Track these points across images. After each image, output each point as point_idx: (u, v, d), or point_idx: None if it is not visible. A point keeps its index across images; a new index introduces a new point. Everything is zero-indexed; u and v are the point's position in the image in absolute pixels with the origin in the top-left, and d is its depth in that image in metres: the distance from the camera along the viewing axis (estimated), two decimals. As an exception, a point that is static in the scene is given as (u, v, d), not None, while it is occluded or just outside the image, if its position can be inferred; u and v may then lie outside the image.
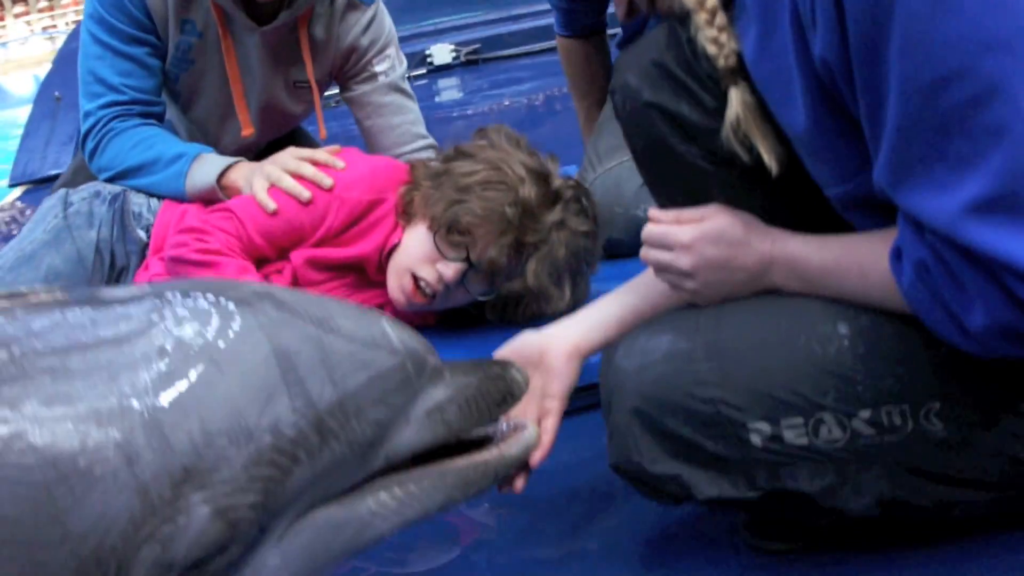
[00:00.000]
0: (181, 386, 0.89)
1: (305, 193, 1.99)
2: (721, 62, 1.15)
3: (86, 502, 0.84)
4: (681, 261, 1.24)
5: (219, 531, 0.88)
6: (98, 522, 0.85)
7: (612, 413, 1.25)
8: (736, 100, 1.16)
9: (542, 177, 1.93)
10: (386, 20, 2.38)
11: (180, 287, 0.98)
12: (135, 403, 0.87)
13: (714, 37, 1.15)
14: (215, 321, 0.93)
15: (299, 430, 0.93)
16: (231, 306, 0.95)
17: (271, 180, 2.01)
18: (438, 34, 5.48)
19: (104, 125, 2.21)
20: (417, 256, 1.94)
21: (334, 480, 0.99)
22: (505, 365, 1.13)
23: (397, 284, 1.95)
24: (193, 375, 0.90)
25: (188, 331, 0.92)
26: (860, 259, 1.14)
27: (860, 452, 1.16)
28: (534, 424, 1.19)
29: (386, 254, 2.02)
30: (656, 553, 1.45)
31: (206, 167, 2.12)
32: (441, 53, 5.25)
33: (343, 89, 2.44)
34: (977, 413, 1.15)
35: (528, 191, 1.89)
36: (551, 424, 1.31)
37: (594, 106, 2.75)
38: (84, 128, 2.25)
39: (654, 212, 1.30)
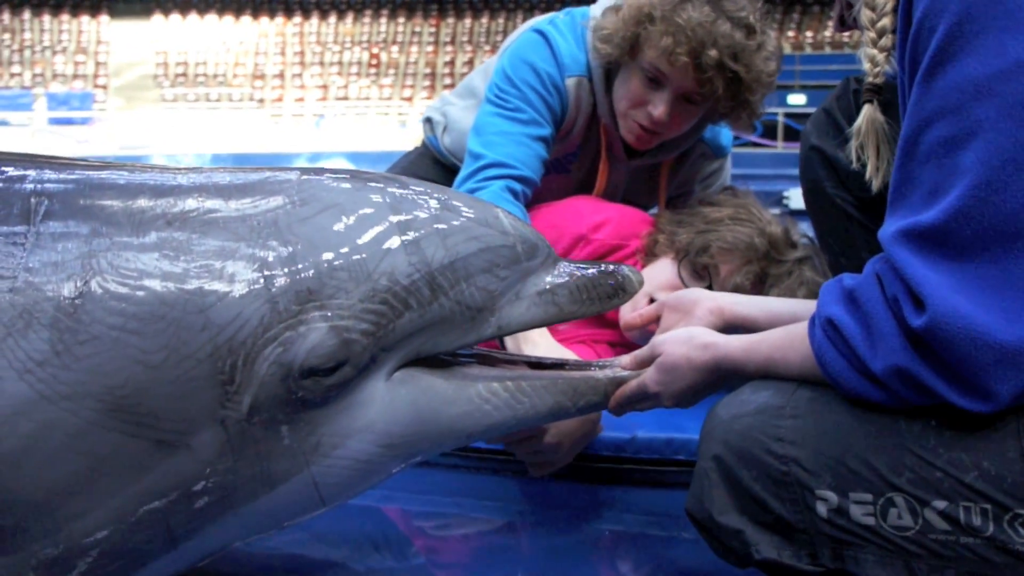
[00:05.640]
0: (314, 229, 1.07)
1: None
2: (868, 79, 1.17)
3: (228, 302, 1.03)
4: (652, 400, 1.27)
5: (333, 346, 1.04)
6: (235, 320, 1.03)
7: (699, 459, 1.22)
8: (866, 113, 1.18)
9: (783, 227, 1.99)
10: (727, 172, 2.46)
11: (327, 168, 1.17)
12: (277, 235, 1.06)
13: (872, 56, 1.16)
14: (348, 188, 1.12)
15: (412, 281, 1.08)
16: (362, 182, 1.13)
17: None
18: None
19: (474, 176, 2.03)
20: (657, 283, 1.92)
21: (444, 334, 1.12)
22: (621, 264, 1.21)
23: (631, 306, 1.82)
24: (324, 222, 1.08)
25: (324, 191, 1.10)
26: (785, 344, 1.15)
27: (932, 549, 1.06)
28: None
29: None
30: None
31: None
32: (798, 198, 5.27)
33: None
34: None
35: (774, 229, 1.95)
36: None
37: None
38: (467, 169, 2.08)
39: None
